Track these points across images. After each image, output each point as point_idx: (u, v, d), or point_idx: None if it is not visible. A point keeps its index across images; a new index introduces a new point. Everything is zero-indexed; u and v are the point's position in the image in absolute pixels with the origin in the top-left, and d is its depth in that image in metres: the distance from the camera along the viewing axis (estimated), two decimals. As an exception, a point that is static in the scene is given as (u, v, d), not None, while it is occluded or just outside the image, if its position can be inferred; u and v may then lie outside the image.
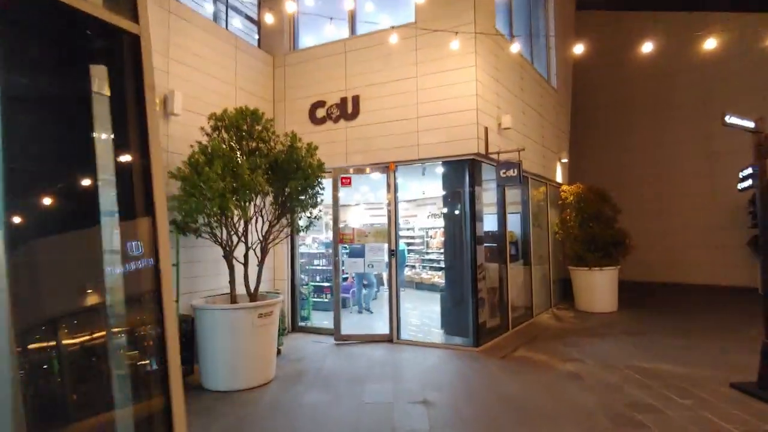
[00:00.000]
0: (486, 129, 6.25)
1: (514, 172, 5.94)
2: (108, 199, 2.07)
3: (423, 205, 13.16)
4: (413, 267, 13.13)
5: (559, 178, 9.77)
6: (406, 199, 13.27)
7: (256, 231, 5.28)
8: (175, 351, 2.05)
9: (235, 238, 5.00)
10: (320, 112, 7.14)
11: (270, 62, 7.48)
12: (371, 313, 8.73)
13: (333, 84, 7.04)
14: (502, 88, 6.94)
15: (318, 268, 9.41)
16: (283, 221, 5.49)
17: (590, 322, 7.89)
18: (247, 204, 4.87)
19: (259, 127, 5.15)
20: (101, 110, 2.13)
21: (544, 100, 8.90)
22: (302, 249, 9.66)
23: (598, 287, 8.80)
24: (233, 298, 5.03)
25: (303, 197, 5.13)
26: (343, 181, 6.99)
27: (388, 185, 6.66)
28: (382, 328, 6.89)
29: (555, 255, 9.57)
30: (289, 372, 5.27)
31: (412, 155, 6.41)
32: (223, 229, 4.85)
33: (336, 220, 6.96)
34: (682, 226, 12.08)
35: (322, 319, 7.86)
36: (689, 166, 12.05)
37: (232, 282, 5.03)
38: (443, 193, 6.78)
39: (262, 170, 4.76)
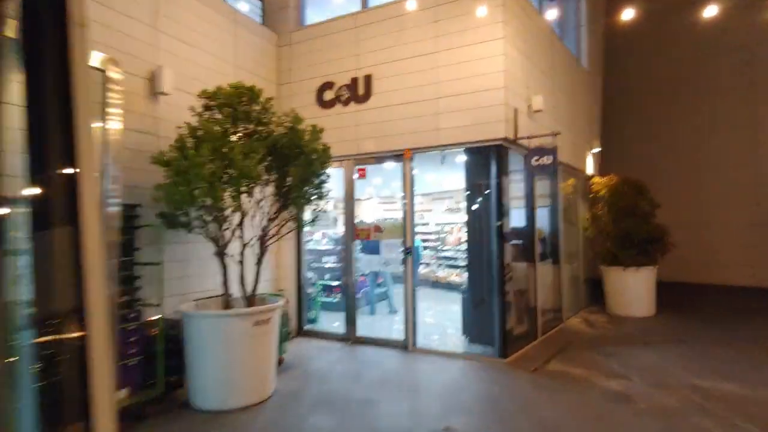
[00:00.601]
0: (515, 110, 5.50)
1: (548, 159, 5.19)
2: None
3: (439, 199, 12.43)
4: (428, 264, 12.43)
5: (589, 170, 8.95)
6: (421, 193, 12.56)
7: (254, 226, 4.64)
8: (104, 363, 1.39)
9: (228, 234, 4.36)
10: (328, 95, 6.46)
11: (274, 40, 6.82)
12: (396, 312, 8.07)
13: (343, 63, 6.35)
14: (532, 66, 6.17)
15: (327, 265, 8.78)
16: (285, 215, 4.85)
17: (626, 329, 7.12)
18: (242, 194, 4.22)
19: (257, 107, 4.49)
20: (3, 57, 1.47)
21: (575, 83, 8.09)
22: (310, 245, 9.06)
23: (634, 289, 7.99)
24: (227, 302, 4.40)
25: (307, 187, 4.46)
26: (360, 173, 6.32)
27: (404, 175, 5.96)
28: (396, 332, 6.23)
29: (585, 253, 8.77)
30: (290, 386, 4.63)
31: (430, 141, 5.69)
32: (217, 223, 4.21)
33: (350, 214, 6.30)
34: (722, 222, 11.13)
35: (332, 321, 7.22)
36: (731, 156, 11.05)
37: (225, 283, 4.40)
38: (465, 184, 6.04)
39: (259, 155, 4.10)
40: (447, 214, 12.48)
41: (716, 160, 11.24)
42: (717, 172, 11.19)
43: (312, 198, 4.66)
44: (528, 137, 5.48)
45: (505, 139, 5.35)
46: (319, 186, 4.79)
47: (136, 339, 3.78)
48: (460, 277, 11.23)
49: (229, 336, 3.99)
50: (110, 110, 2.96)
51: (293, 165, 4.25)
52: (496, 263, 5.45)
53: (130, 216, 3.98)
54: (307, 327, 6.89)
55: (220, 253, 4.31)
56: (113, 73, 2.99)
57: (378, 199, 13.64)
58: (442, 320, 8.01)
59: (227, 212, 4.29)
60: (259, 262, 4.63)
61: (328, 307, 8.34)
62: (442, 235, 12.72)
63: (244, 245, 4.55)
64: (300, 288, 6.78)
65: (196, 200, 3.73)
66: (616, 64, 11.47)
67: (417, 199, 6.25)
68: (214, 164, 3.83)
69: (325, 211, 4.90)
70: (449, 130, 5.57)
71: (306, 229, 7.13)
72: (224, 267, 4.39)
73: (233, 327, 4.00)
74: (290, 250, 6.72)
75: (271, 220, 4.61)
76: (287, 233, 4.94)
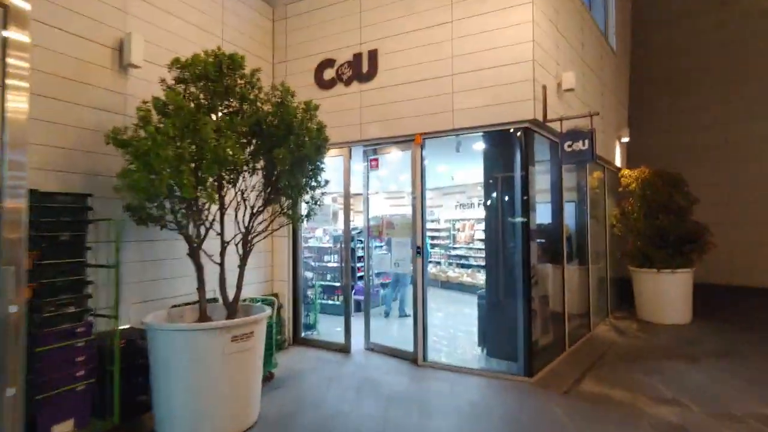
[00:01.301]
0: (544, 88, 4.72)
1: (584, 144, 4.41)
2: None
3: (450, 194, 11.66)
4: (438, 263, 11.69)
5: (617, 161, 8.13)
6: (430, 188, 11.79)
7: (240, 221, 3.93)
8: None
9: (203, 230, 3.65)
10: (329, 74, 5.72)
11: (269, 14, 6.08)
12: (408, 315, 7.22)
13: (345, 38, 5.61)
14: (562, 40, 5.38)
15: (329, 265, 8.06)
16: (276, 208, 4.12)
17: (662, 338, 6.32)
18: (219, 182, 3.51)
19: (240, 81, 3.75)
20: None
21: (604, 64, 7.26)
22: (312, 242, 8.35)
23: (668, 293, 7.19)
24: (203, 311, 3.69)
25: (299, 175, 3.72)
26: (373, 163, 5.60)
27: (414, 163, 5.21)
28: (402, 340, 5.51)
29: (611, 253, 7.97)
30: (278, 411, 3.92)
31: (444, 124, 4.94)
32: (188, 217, 3.50)
33: (349, 208, 5.57)
34: (760, 220, 10.24)
35: (333, 326, 6.51)
36: (771, 147, 10.13)
37: (200, 290, 3.69)
38: (483, 175, 5.27)
39: (239, 134, 3.37)
40: (458, 211, 11.71)
41: (757, 152, 10.31)
42: (756, 165, 10.27)
43: (306, 188, 3.93)
44: (561, 119, 4.69)
45: (533, 122, 4.58)
46: (315, 174, 4.06)
47: (85, 358, 3.09)
48: (473, 277, 10.47)
49: (202, 354, 3.28)
50: (11, 82, 2.24)
51: (281, 147, 3.50)
52: (521, 265, 4.69)
53: (77, 209, 3.28)
54: (304, 334, 6.18)
55: (193, 253, 3.60)
56: (14, 33, 2.24)
57: (385, 194, 12.95)
58: (454, 326, 7.27)
59: (202, 204, 3.58)
60: (242, 264, 3.91)
61: (330, 310, 7.63)
62: (453, 233, 11.96)
63: (224, 243, 3.84)
64: (296, 290, 6.07)
65: (160, 189, 3.01)
66: (644, 49, 10.59)
67: (427, 194, 5.52)
68: (183, 145, 3.11)
69: (320, 204, 4.16)
70: (466, 112, 4.81)
71: (304, 225, 6.44)
72: (199, 269, 3.67)
73: (206, 343, 3.29)
74: (286, 248, 6.00)
75: (255, 214, 3.88)
76: (277, 229, 4.21)
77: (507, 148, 4.89)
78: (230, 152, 3.10)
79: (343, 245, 6.25)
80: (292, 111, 3.56)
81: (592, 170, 7.26)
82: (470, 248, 11.38)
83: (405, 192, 5.59)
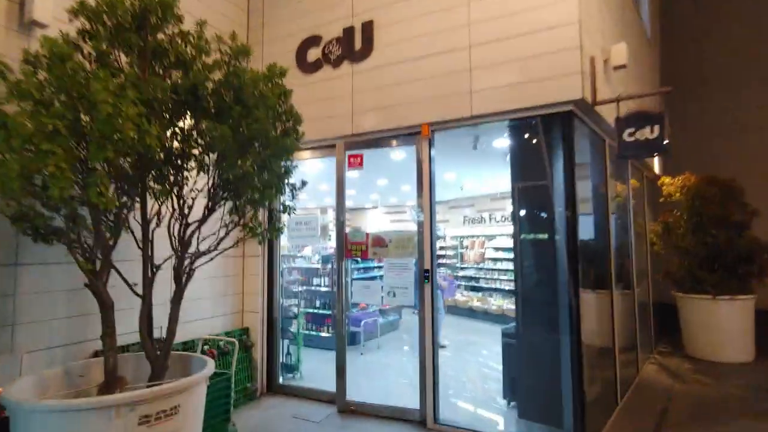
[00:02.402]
0: (593, 61, 3.60)
1: (653, 131, 3.25)
2: None
3: (457, 207, 10.47)
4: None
5: (655, 167, 6.98)
6: (436, 200, 10.63)
7: (172, 237, 2.75)
8: None
9: (109, 245, 2.45)
10: (313, 54, 4.62)
11: (242, -14, 5.02)
12: (443, 347, 6.47)
13: (332, 10, 4.52)
14: (607, 9, 4.29)
15: (320, 289, 6.84)
16: (225, 218, 2.94)
17: (729, 384, 5.05)
18: (133, 176, 2.34)
19: (169, 31, 2.61)
20: None
21: (641, 53, 6.16)
22: (299, 262, 7.14)
23: (726, 324, 5.94)
24: (109, 370, 2.47)
25: (253, 164, 2.54)
26: (351, 160, 4.43)
27: (420, 163, 4.05)
28: (405, 393, 4.26)
29: (651, 274, 6.74)
30: None
31: (459, 110, 3.79)
32: (74, 229, 2.31)
33: (343, 222, 4.37)
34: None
35: (322, 365, 5.27)
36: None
37: (106, 338, 2.48)
38: (512, 176, 4.06)
39: (160, 104, 2.21)
40: (466, 226, 10.51)
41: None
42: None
43: (270, 188, 2.75)
44: (617, 99, 3.53)
45: (580, 104, 3.43)
46: (286, 173, 2.90)
47: None
48: (484, 302, 9.21)
49: (89, 448, 2.05)
50: None
51: (223, 122, 2.33)
52: (567, 293, 3.48)
53: None
54: (283, 379, 4.93)
55: (93, 284, 2.39)
56: None
57: (384, 208, 11.74)
58: (466, 364, 6.01)
59: (113, 210, 2.40)
60: (176, 297, 2.71)
61: (319, 343, 6.38)
62: (460, 251, 10.75)
63: (153, 268, 2.65)
64: (271, 325, 4.84)
65: (9, 182, 1.83)
66: (678, 31, 9.40)
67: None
68: (55, 111, 1.94)
69: (291, 211, 2.98)
70: (488, 94, 3.67)
71: (283, 243, 5.26)
72: (104, 307, 2.47)
73: (97, 430, 2.07)
74: (260, 270, 4.80)
75: (183, 227, 2.69)
76: (231, 248, 3.02)
77: (545, 139, 3.73)
78: (133, 127, 1.93)
79: (334, 266, 5.04)
80: (241, 72, 2.39)
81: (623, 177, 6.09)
82: (480, 269, 10.15)
83: (407, 206, 4.43)
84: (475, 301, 9.25)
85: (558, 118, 3.54)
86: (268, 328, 4.84)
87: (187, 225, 2.68)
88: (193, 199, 2.76)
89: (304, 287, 6.37)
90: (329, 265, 5.94)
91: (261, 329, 4.77)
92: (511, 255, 9.59)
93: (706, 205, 6.10)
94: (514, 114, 3.64)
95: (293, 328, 5.40)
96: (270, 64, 2.69)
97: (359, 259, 5.11)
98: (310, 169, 5.84)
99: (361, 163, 4.47)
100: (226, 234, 2.95)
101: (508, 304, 8.83)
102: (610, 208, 4.56)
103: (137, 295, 2.65)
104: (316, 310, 6.82)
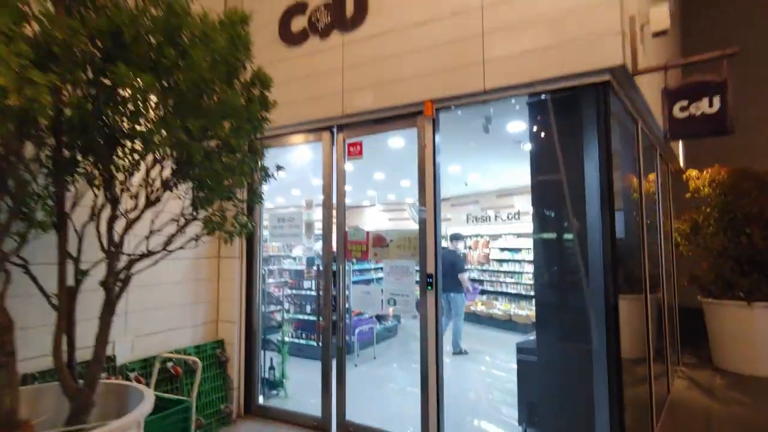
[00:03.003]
0: (632, 21, 2.97)
1: (711, 104, 2.63)
2: None
3: (460, 205, 9.85)
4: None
5: (680, 158, 6.35)
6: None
7: (100, 234, 2.12)
8: None
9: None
10: (298, 23, 3.99)
11: (218, -52, 4.38)
12: (461, 352, 6.36)
13: (321, -29, 3.90)
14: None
15: (311, 293, 6.20)
16: (175, 209, 2.31)
17: (774, 403, 4.44)
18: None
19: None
20: None
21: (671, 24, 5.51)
22: (287, 264, 6.52)
23: (763, 334, 5.31)
24: (4, 407, 1.83)
25: (203, 138, 1.91)
26: (351, 149, 3.81)
27: (421, 150, 3.42)
28: (406, 413, 3.64)
29: (673, 277, 6.12)
30: None
31: (469, 84, 3.16)
32: None
33: (330, 217, 3.74)
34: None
35: (312, 379, 4.63)
36: None
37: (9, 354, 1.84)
38: (532, 164, 3.43)
39: (65, 51, 1.58)
40: (470, 225, 9.89)
41: None
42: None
43: (225, 175, 2.11)
44: (665, 66, 2.89)
45: (619, 72, 2.80)
46: (252, 157, 2.27)
47: None
48: (488, 305, 8.60)
49: None
50: None
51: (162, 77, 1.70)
52: (601, 299, 2.85)
53: None
54: (264, 399, 4.31)
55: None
56: None
57: (381, 206, 11.07)
58: (474, 378, 5.39)
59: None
60: (106, 310, 2.08)
61: (310, 353, 5.75)
62: (462, 252, 10.12)
63: (78, 274, 2.03)
64: (250, 337, 4.21)
65: None
66: (693, 16, 8.75)
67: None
68: None
69: (259, 201, 2.35)
70: (505, 63, 3.05)
71: (275, 244, 4.64)
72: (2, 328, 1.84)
73: None
74: (237, 274, 4.17)
75: (113, 220, 2.06)
76: (179, 249, 2.37)
77: (570, 122, 3.10)
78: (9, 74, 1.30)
79: (320, 269, 4.41)
80: (179, 8, 1.74)
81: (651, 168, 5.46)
82: (484, 270, 9.53)
83: (406, 204, 3.81)
84: (479, 305, 8.63)
85: (591, 92, 2.91)
86: (247, 340, 4.21)
87: (117, 219, 2.05)
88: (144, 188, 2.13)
89: (293, 291, 5.73)
90: (314, 268, 5.30)
91: (238, 341, 4.15)
92: (518, 256, 9.01)
93: (739, 201, 5.48)
94: (537, 87, 3.02)
95: (279, 338, 4.78)
96: (233, 8, 2.05)
97: (355, 260, 4.50)
98: (298, 159, 5.22)
99: (360, 152, 3.84)
100: (179, 231, 2.32)
101: (515, 309, 8.22)
102: (643, 203, 3.93)
103: (53, 307, 2.02)
104: (307, 316, 6.19)
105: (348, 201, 3.90)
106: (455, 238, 7.29)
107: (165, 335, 3.63)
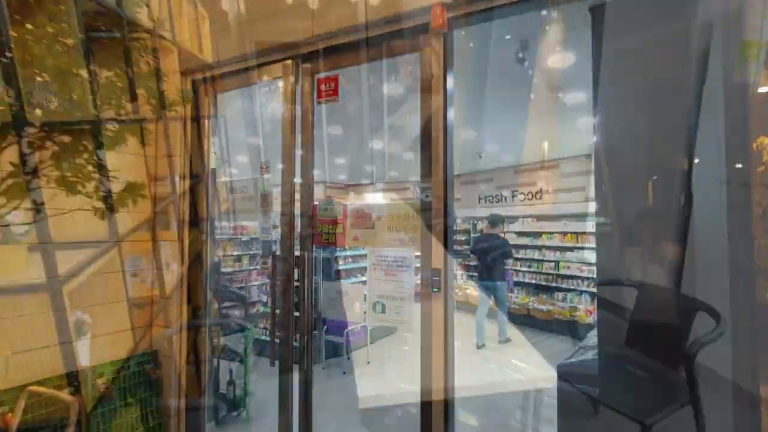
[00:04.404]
0: None
1: None
2: None
3: (471, 183, 8.68)
4: (454, 278, 8.74)
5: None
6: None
7: None
8: None
9: None
10: None
11: None
12: (507, 340, 6.15)
13: None
14: None
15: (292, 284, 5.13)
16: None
17: None
18: None
19: None
20: None
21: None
22: (254, 249, 5.46)
23: None
24: None
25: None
26: (323, 87, 2.67)
27: (425, 81, 2.28)
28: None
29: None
30: None
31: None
32: None
33: (291, 184, 2.63)
34: None
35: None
36: None
37: None
38: (597, 103, 2.30)
39: None
40: (482, 207, 8.75)
41: None
42: None
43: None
44: None
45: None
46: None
47: None
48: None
49: None
50: None
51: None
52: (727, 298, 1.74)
53: None
54: (220, 423, 3.29)
55: None
56: None
57: (382, 184, 9.90)
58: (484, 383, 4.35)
59: None
60: None
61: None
62: (472, 236, 9.02)
63: None
64: (197, 343, 3.16)
65: None
66: None
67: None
68: None
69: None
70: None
71: (252, 224, 3.59)
72: None
73: None
74: (176, 261, 3.11)
75: None
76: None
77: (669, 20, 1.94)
78: None
79: (275, 260, 3.30)
80: None
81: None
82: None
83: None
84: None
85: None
86: (192, 349, 3.17)
87: None
88: None
89: (261, 281, 4.68)
90: (269, 258, 4.18)
91: (178, 352, 3.10)
92: (538, 241, 7.91)
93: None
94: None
95: (242, 343, 3.74)
96: None
97: (323, 247, 3.44)
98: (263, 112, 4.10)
99: (336, 92, 2.70)
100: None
101: (534, 303, 7.14)
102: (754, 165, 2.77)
103: None
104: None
105: (342, 178, 2.79)
106: (494, 221, 6.23)
107: (53, 351, 2.58)
